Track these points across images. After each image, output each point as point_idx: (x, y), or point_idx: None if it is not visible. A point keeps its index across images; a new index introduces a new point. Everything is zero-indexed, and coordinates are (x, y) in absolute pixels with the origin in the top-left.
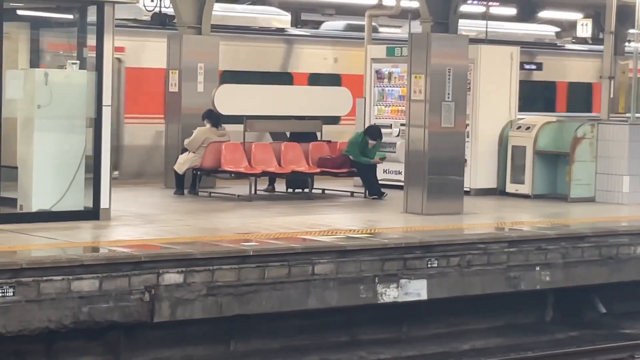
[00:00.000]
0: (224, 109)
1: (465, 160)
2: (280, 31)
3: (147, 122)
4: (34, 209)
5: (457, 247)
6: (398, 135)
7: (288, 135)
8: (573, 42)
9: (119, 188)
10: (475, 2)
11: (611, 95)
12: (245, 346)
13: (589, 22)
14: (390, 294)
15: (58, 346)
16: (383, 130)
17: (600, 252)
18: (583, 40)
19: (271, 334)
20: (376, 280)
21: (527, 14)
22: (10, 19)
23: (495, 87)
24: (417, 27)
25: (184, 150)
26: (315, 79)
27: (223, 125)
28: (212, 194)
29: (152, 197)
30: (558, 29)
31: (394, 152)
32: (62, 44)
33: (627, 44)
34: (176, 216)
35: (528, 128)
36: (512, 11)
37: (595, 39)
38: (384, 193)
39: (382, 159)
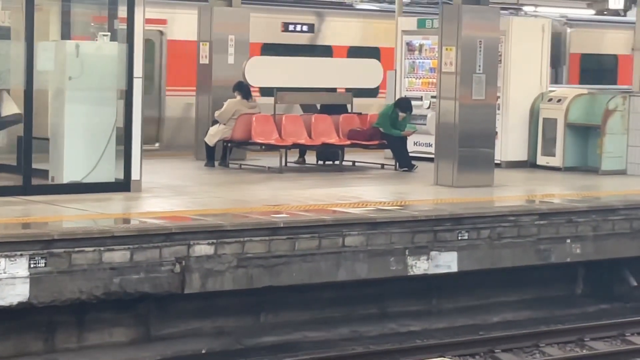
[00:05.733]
0: (254, 80)
1: (496, 132)
2: None
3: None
4: (66, 181)
5: (487, 220)
6: (429, 108)
7: (318, 107)
8: None
9: (149, 160)
10: None
11: None
12: (275, 318)
13: None
14: (420, 266)
15: (89, 317)
16: (413, 103)
17: (631, 225)
18: None
19: (301, 306)
20: (406, 253)
21: None
22: None
23: (526, 59)
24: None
25: (215, 122)
26: None
27: (253, 97)
28: (242, 166)
29: (182, 169)
30: None
31: (425, 124)
32: (93, 15)
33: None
34: (207, 188)
35: (559, 100)
36: None
37: None
38: (414, 165)
39: (413, 131)
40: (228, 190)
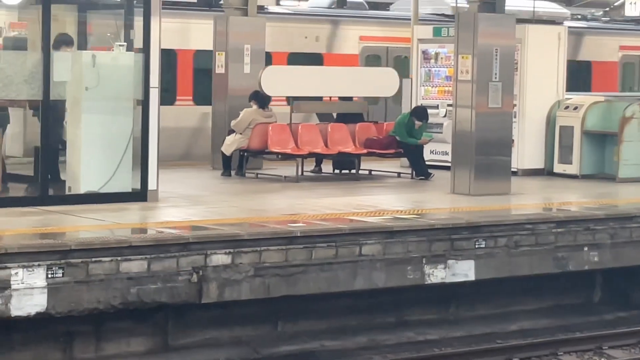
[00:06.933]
0: (270, 90)
1: (513, 140)
2: None
3: None
4: (82, 191)
5: (504, 228)
6: (445, 116)
7: (334, 116)
8: None
9: (166, 169)
10: None
11: None
12: (293, 327)
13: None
14: (437, 274)
15: (106, 327)
16: (430, 111)
17: None
18: None
19: (319, 315)
20: (423, 261)
21: None
22: (58, 1)
23: (542, 67)
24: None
25: (231, 131)
26: None
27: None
28: (259, 175)
29: (199, 178)
30: None
31: (441, 132)
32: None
33: None
34: (223, 197)
35: (576, 108)
36: None
37: None
38: (430, 174)
39: (429, 139)
40: (245, 199)
